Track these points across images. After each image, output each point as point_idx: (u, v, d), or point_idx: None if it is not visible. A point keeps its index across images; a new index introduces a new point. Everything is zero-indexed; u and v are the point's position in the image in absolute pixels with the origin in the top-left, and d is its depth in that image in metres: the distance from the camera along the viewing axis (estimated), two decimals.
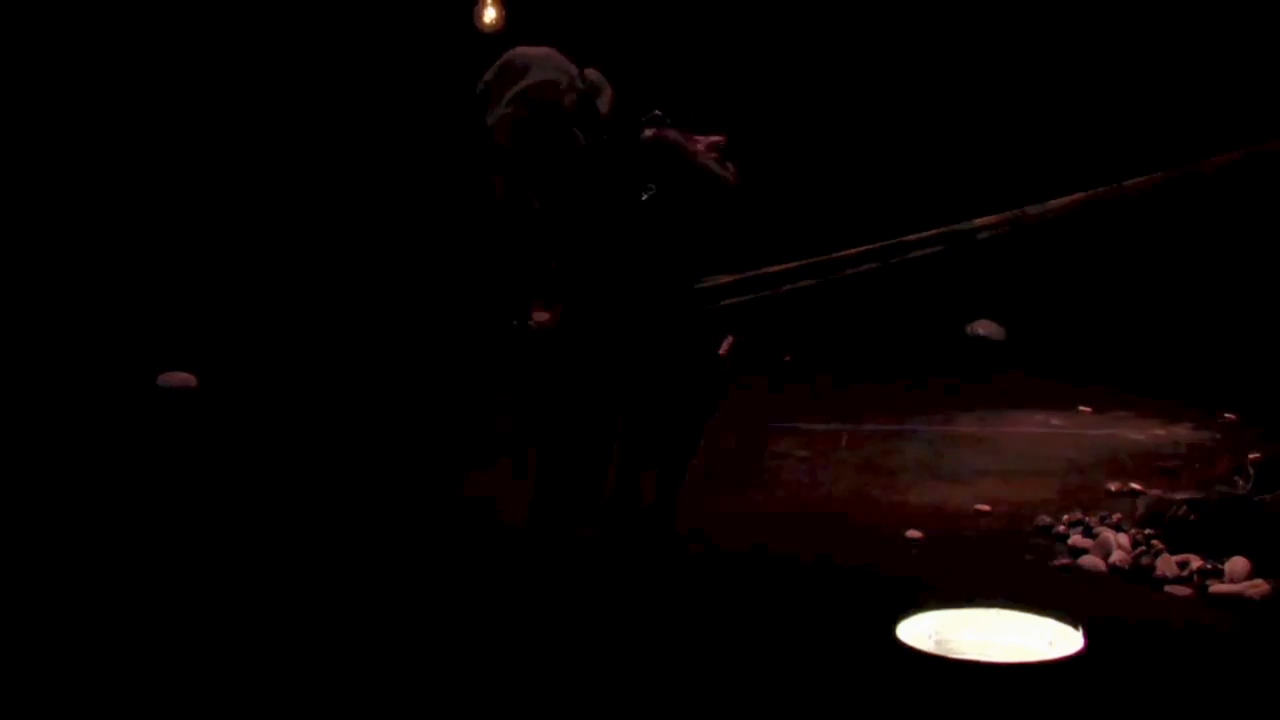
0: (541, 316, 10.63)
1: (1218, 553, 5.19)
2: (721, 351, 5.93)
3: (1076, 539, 5.60)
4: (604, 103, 5.52)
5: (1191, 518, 5.47)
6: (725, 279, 6.21)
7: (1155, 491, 6.09)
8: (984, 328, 10.57)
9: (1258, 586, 4.96)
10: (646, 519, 5.46)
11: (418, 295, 10.32)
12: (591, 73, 5.61)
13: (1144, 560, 5.25)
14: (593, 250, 5.40)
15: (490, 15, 9.18)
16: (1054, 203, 9.81)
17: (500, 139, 5.59)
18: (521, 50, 5.70)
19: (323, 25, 10.03)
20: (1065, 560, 5.43)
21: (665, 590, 5.11)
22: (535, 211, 6.06)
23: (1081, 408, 8.32)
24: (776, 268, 8.22)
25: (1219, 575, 5.08)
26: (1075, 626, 3.31)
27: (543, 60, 5.61)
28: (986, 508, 6.13)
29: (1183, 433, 7.65)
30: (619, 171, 5.35)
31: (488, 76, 5.63)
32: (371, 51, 10.06)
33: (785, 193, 10.46)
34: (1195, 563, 5.15)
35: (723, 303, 6.01)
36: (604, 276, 5.38)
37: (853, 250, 9.68)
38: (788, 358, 9.73)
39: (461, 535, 5.72)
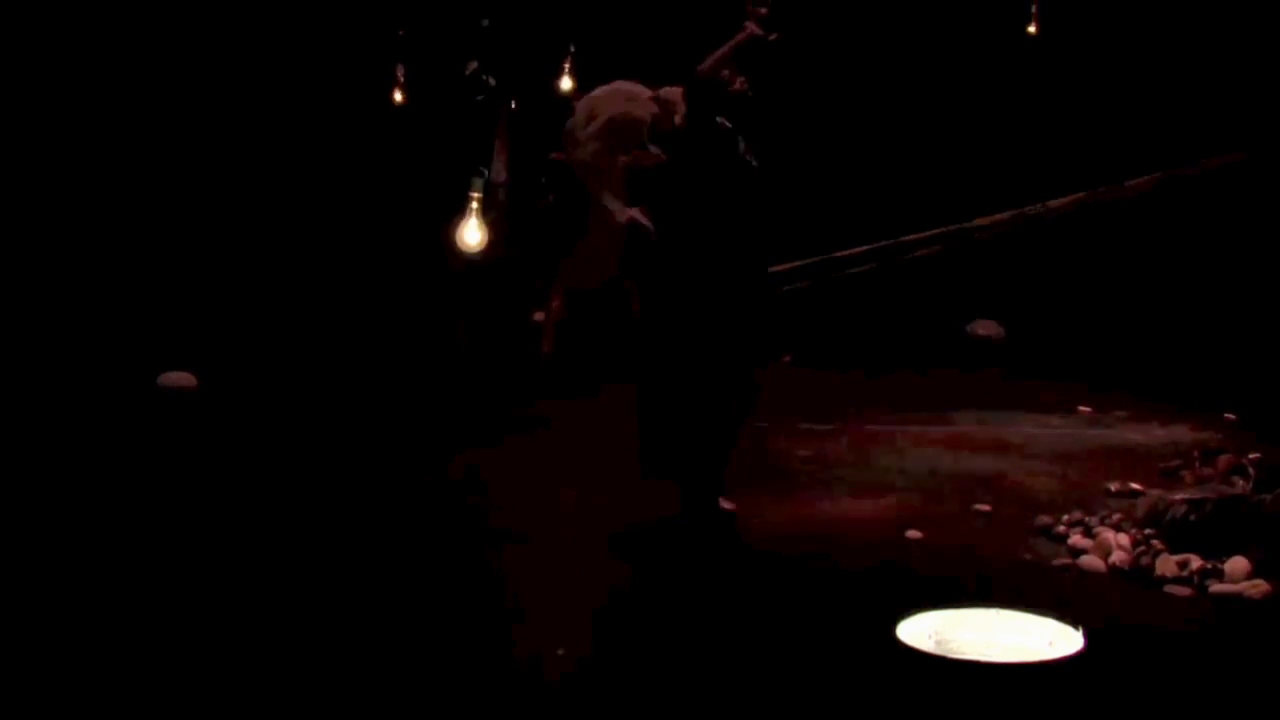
0: (539, 316, 10.69)
1: (1218, 553, 5.18)
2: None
3: (1076, 539, 5.59)
4: (680, 119, 5.85)
5: (1191, 518, 5.47)
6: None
7: (1155, 491, 6.08)
8: (984, 328, 10.57)
9: (1258, 586, 4.96)
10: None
11: (414, 295, 10.32)
12: (666, 91, 5.94)
13: (1144, 560, 5.24)
14: (681, 241, 5.79)
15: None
16: (1054, 202, 9.79)
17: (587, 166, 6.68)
18: (593, 94, 6.33)
19: (324, 31, 10.04)
20: (1065, 560, 5.43)
21: (669, 587, 5.12)
22: (547, 207, 6.57)
23: (1081, 408, 8.32)
24: (777, 268, 8.26)
25: (1219, 575, 5.07)
26: (1075, 626, 3.30)
27: (614, 98, 6.16)
28: (986, 508, 6.13)
29: (1183, 433, 7.65)
30: (694, 170, 5.74)
31: (568, 125, 6.63)
32: (372, 59, 10.08)
33: (785, 193, 10.44)
34: (1195, 563, 5.15)
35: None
36: (691, 264, 5.72)
37: (853, 250, 9.68)
38: (787, 357, 9.72)
39: (459, 524, 5.75)
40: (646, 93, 6.03)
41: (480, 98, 10.09)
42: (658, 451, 5.78)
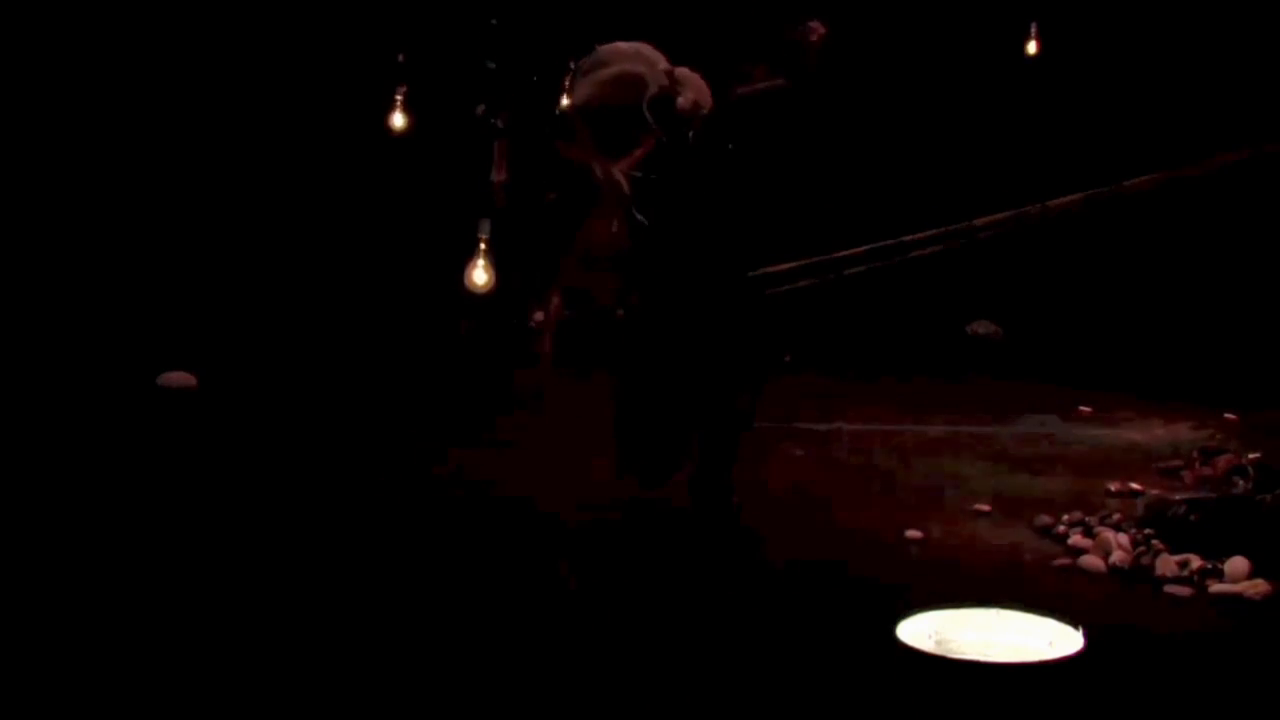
0: (539, 316, 10.68)
1: (1218, 553, 5.18)
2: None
3: (1076, 539, 5.59)
4: (685, 100, 5.78)
5: (1192, 518, 5.47)
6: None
7: (1155, 491, 6.09)
8: (982, 327, 10.57)
9: (1258, 586, 4.96)
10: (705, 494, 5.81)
11: (414, 293, 10.32)
12: (683, 71, 5.88)
13: (1144, 560, 5.25)
14: (666, 237, 5.81)
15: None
16: (1054, 202, 9.83)
17: (576, 116, 6.17)
18: (615, 45, 6.13)
19: (322, 31, 10.05)
20: (1065, 560, 5.42)
21: (669, 585, 5.12)
22: (548, 205, 6.51)
23: (1081, 408, 8.32)
24: (777, 267, 8.24)
25: (1219, 575, 5.08)
26: (1075, 626, 3.30)
27: (630, 54, 6.02)
28: (986, 508, 6.13)
29: (1183, 433, 7.65)
30: (686, 162, 5.79)
31: (581, 62, 6.14)
32: (370, 58, 10.09)
33: (784, 193, 10.44)
34: (1195, 563, 5.15)
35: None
36: (677, 261, 5.76)
37: (853, 250, 9.71)
38: (787, 357, 9.72)
39: (459, 519, 5.75)
40: (664, 64, 6.00)
41: (491, 139, 10.10)
42: (636, 454, 5.75)
